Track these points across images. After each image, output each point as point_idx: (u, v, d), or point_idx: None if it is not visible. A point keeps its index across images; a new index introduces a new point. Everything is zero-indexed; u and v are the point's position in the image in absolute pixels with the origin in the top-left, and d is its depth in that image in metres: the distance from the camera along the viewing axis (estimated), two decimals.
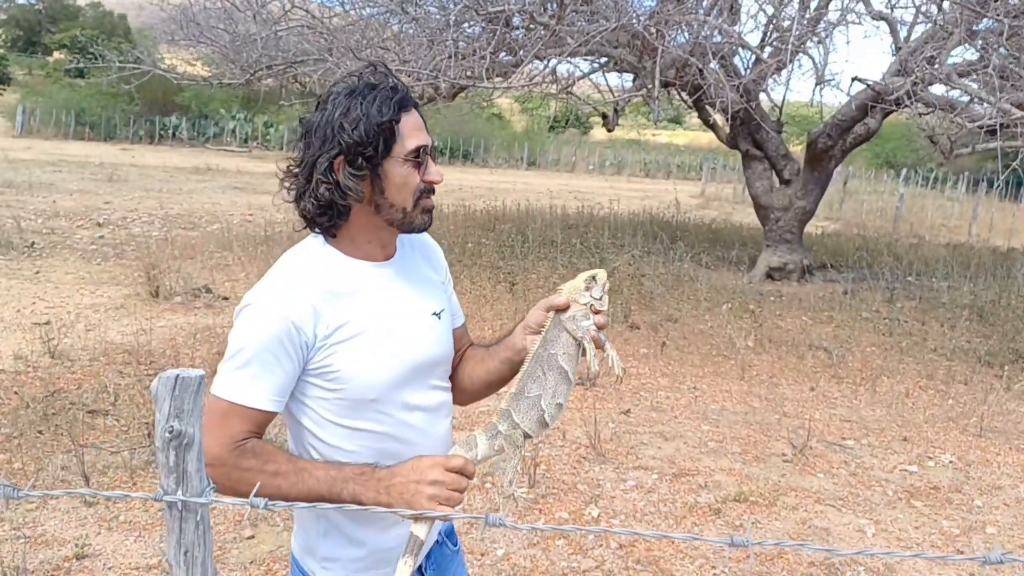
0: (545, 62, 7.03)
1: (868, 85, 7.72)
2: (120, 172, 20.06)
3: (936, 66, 6.65)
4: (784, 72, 9.72)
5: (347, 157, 1.41)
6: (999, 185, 17.66)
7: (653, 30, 6.18)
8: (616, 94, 8.58)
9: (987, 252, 13.17)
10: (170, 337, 6.29)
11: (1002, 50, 9.06)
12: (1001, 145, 6.31)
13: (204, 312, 7.16)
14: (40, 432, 4.41)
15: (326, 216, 1.46)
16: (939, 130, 8.16)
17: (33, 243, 9.69)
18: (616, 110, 8.23)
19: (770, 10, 8.55)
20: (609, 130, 8.89)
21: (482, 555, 3.51)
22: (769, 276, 10.24)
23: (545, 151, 42.84)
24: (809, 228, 14.54)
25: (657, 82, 6.09)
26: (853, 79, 7.47)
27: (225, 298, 7.64)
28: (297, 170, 1.47)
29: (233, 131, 38.52)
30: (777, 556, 3.61)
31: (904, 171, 21.59)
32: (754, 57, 9.35)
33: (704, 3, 8.16)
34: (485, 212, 14.69)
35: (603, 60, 9.96)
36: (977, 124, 6.18)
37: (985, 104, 6.35)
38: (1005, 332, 7.85)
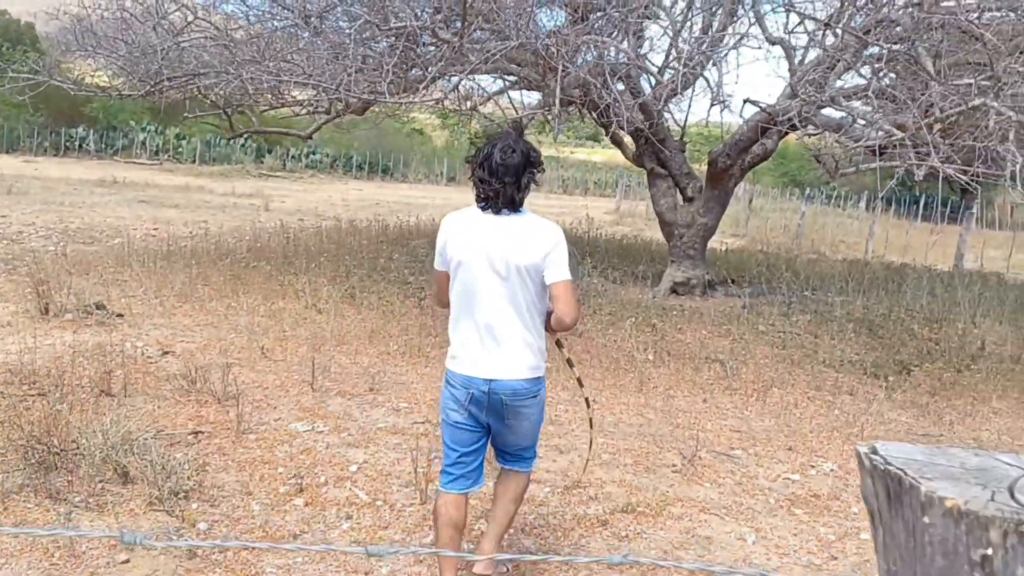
0: (449, 79, 7.08)
1: (761, 108, 8.03)
2: (20, 185, 19.29)
3: (824, 89, 6.95)
4: (687, 93, 10.04)
5: (534, 169, 2.97)
6: (875, 204, 18.59)
7: (553, 50, 6.30)
8: (519, 111, 8.70)
9: (881, 268, 13.77)
10: (57, 356, 6.06)
11: (892, 74, 9.53)
12: (880, 165, 6.63)
13: (95, 329, 6.92)
14: None
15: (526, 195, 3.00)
16: (824, 150, 8.53)
17: None
18: (520, 128, 8.33)
19: (671, 33, 8.79)
20: None
21: (366, 574, 3.48)
22: (674, 291, 10.48)
23: (466, 167, 42.88)
24: (715, 244, 14.95)
25: (557, 101, 6.22)
26: (745, 101, 7.77)
27: (120, 315, 7.40)
28: (520, 183, 2.95)
29: (143, 143, 37.44)
30: (658, 566, 3.69)
31: (808, 190, 22.43)
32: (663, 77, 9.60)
33: (606, 26, 8.34)
34: (399, 227, 14.65)
35: (513, 79, 10.09)
36: (859, 144, 6.49)
37: (875, 125, 6.66)
38: (892, 344, 8.22)
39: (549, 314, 3.06)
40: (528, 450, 3.30)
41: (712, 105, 6.91)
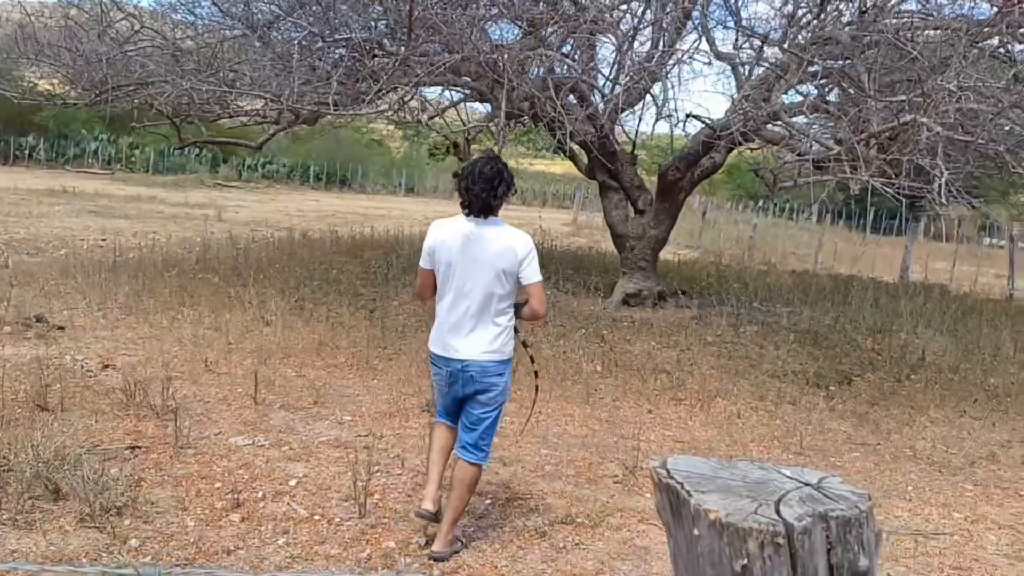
0: (401, 90, 7.07)
1: (705, 123, 8.16)
2: None
3: (767, 105, 7.08)
4: (637, 107, 10.16)
5: (508, 185, 3.65)
6: (808, 215, 19.06)
7: (500, 63, 6.33)
8: (465, 123, 8.72)
9: (828, 279, 14.03)
10: None
11: (837, 91, 9.74)
12: (814, 179, 6.78)
13: (35, 343, 6.78)
14: None
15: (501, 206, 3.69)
16: (763, 164, 8.69)
17: None
18: (467, 139, 8.35)
19: (619, 48, 8.89)
20: (461, 159, 9.02)
21: None
22: (625, 302, 10.56)
23: (424, 178, 42.94)
24: (668, 256, 15.11)
25: (503, 113, 6.26)
26: (688, 115, 7.90)
27: (60, 327, 7.26)
28: (496, 192, 3.62)
29: (96, 152, 36.82)
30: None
31: (761, 202, 22.80)
32: (611, 93, 9.69)
33: (555, 40, 8.42)
34: (353, 238, 14.58)
35: (467, 91, 10.12)
36: (798, 159, 6.63)
37: (808, 140, 6.81)
38: (835, 355, 8.37)
39: (518, 306, 3.76)
40: (484, 438, 3.83)
41: (657, 119, 7.00)
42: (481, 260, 3.61)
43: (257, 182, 35.96)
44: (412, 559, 3.78)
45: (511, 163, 4.61)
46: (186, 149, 35.58)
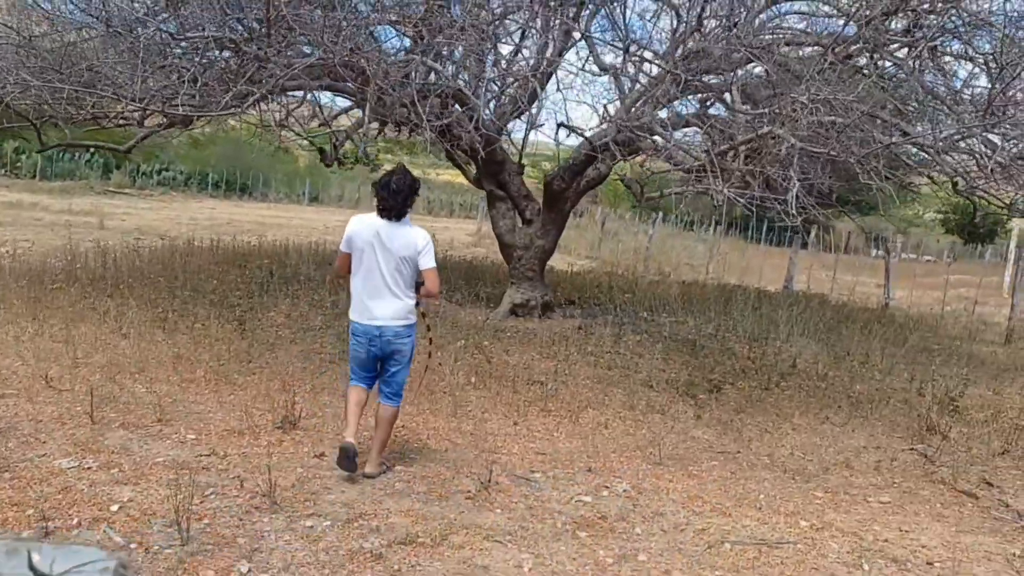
0: (259, 93, 6.78)
1: (580, 135, 8.15)
2: None
3: (631, 120, 7.11)
4: (525, 117, 10.09)
5: (416, 194, 4.75)
6: (706, 227, 19.48)
7: (365, 68, 6.15)
8: (330, 126, 8.49)
9: (715, 289, 14.27)
10: None
11: (719, 104, 9.89)
12: (678, 191, 6.85)
13: None
14: None
15: (409, 211, 4.73)
16: (631, 175, 8.76)
17: None
18: (335, 144, 8.11)
19: (506, 56, 8.82)
20: (327, 165, 8.76)
21: None
22: (513, 312, 10.47)
23: (329, 187, 42.18)
24: (563, 266, 15.15)
25: (366, 118, 6.08)
26: (559, 125, 7.86)
27: None
28: (407, 201, 4.72)
29: None
30: None
31: (660, 214, 23.16)
32: (494, 101, 9.61)
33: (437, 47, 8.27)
34: (236, 248, 14.09)
35: (352, 98, 9.86)
36: (667, 168, 6.69)
37: (673, 150, 6.86)
38: (709, 363, 8.45)
39: (419, 285, 4.75)
40: (399, 387, 5.00)
41: (529, 130, 6.95)
42: (390, 250, 4.65)
43: (152, 189, 34.62)
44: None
45: (417, 173, 5.20)
46: (76, 154, 33.97)
